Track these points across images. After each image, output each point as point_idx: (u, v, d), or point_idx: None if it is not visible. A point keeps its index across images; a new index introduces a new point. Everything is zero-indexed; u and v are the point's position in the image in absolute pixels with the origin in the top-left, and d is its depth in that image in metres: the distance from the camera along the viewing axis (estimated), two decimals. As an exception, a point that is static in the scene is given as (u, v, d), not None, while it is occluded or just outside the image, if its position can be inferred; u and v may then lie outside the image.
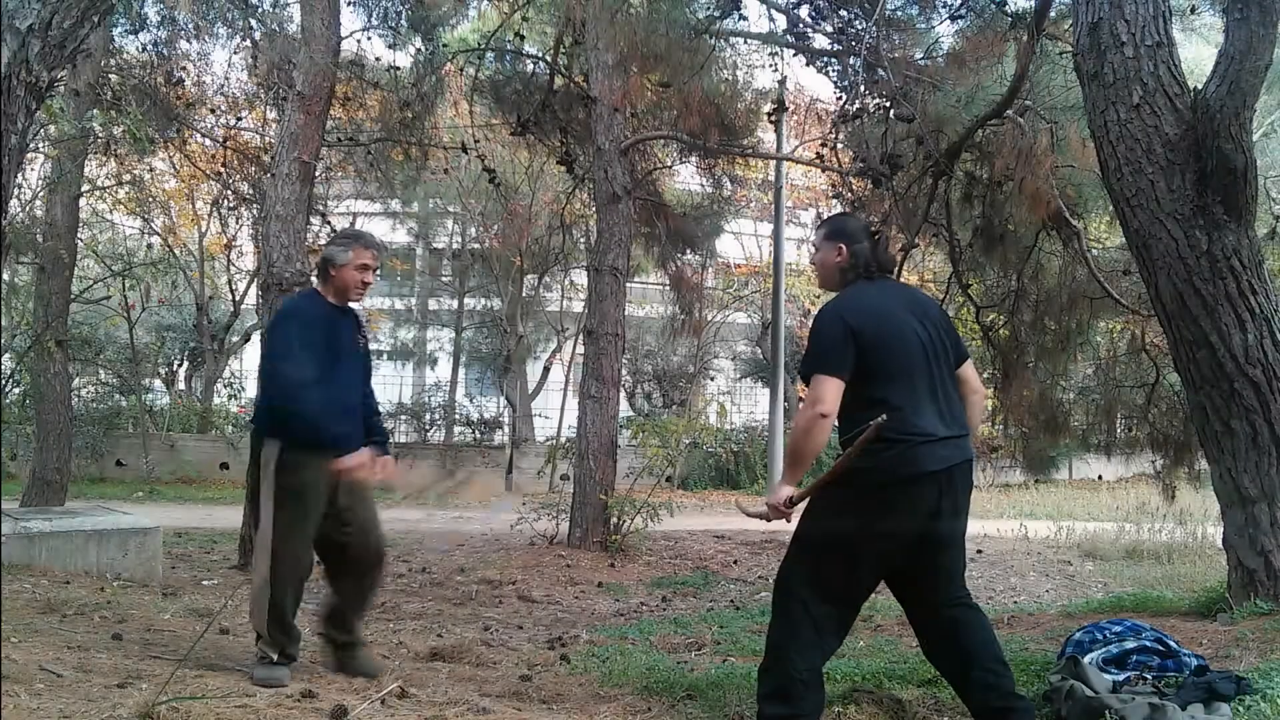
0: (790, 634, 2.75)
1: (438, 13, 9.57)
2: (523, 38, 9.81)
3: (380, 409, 3.87)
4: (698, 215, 11.85)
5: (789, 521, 2.81)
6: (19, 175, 5.93)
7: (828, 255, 2.94)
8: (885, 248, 2.97)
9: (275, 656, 3.29)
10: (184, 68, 10.64)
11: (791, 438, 2.79)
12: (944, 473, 2.67)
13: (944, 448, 2.67)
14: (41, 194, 9.49)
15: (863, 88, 7.34)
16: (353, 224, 16.55)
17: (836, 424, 2.74)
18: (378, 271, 3.55)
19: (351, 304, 3.58)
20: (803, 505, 2.79)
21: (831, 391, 2.66)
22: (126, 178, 12.96)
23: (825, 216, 3.09)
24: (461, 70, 10.24)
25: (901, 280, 7.37)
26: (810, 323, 3.26)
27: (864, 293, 2.86)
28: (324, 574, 3.63)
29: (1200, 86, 4.13)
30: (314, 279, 3.95)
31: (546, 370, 18.47)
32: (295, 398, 3.27)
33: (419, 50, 9.32)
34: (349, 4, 9.08)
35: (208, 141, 12.32)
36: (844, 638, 2.87)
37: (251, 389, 18.07)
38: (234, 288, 18.22)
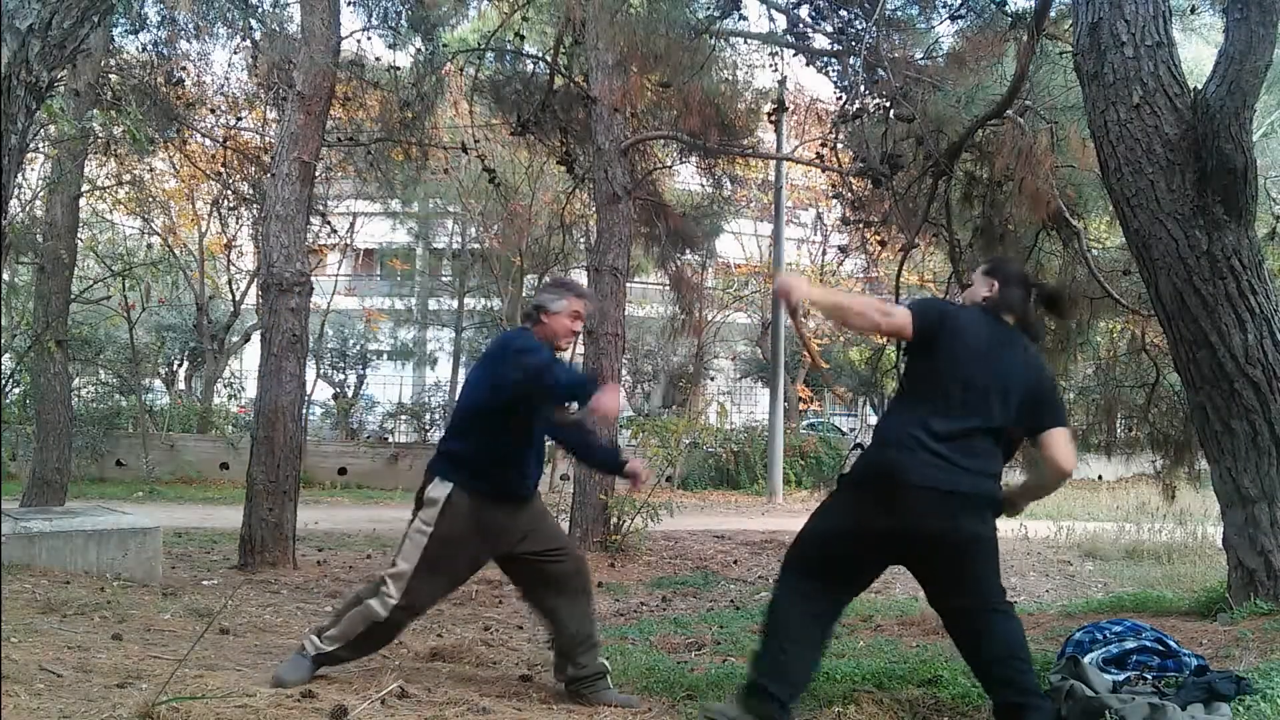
0: (782, 607, 2.87)
1: (438, 13, 9.57)
2: (523, 38, 9.81)
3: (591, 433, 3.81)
4: (698, 215, 11.86)
5: (788, 301, 2.84)
6: (19, 175, 5.93)
7: (978, 288, 2.99)
8: (1033, 310, 2.98)
9: (327, 650, 3.27)
10: (184, 68, 10.64)
11: (857, 304, 2.94)
12: (928, 490, 2.68)
13: (942, 469, 2.69)
14: (41, 194, 9.49)
15: (863, 88, 7.34)
16: (353, 224, 16.62)
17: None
18: (585, 321, 3.50)
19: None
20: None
21: (902, 319, 2.77)
22: (126, 178, 12.98)
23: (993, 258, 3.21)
24: (461, 70, 10.24)
25: (899, 288, 7.35)
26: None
27: (982, 314, 2.90)
28: (545, 619, 3.52)
29: (1200, 86, 4.13)
30: (316, 281, 3.92)
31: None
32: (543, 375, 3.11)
33: (419, 50, 9.33)
34: (349, 4, 9.09)
35: (208, 141, 12.33)
36: (834, 621, 2.93)
37: (251, 389, 18.08)
38: (234, 288, 18.23)
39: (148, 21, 9.61)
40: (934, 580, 2.85)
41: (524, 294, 17.27)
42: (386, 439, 18.38)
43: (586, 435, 3.70)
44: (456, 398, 20.52)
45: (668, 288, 13.87)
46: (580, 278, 17.18)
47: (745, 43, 9.92)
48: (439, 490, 3.24)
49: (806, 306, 2.85)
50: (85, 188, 10.78)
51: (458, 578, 3.44)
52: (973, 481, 2.72)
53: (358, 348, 20.75)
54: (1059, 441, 2.83)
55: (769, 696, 2.71)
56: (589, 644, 3.42)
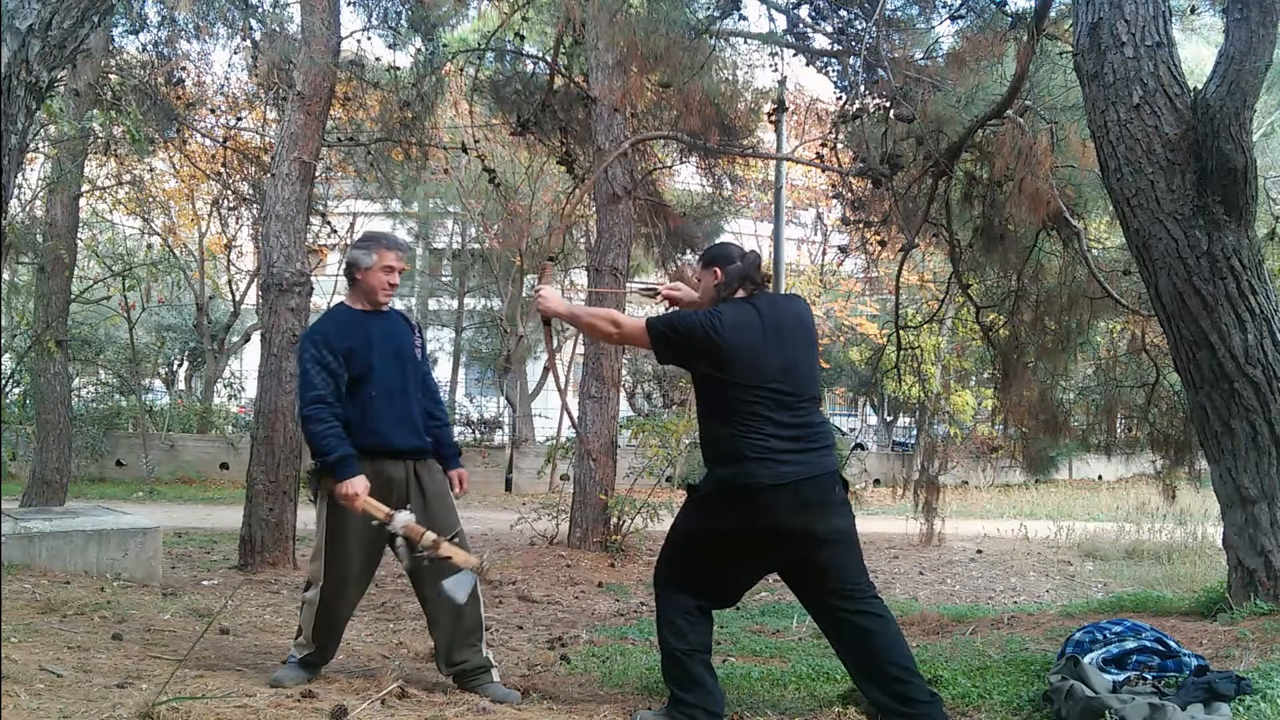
0: (664, 619, 2.97)
1: (438, 13, 9.57)
2: (523, 38, 9.81)
3: (443, 410, 3.75)
4: (698, 215, 11.86)
5: (541, 311, 3.19)
6: (19, 175, 5.93)
7: (707, 281, 3.10)
8: (758, 266, 3.09)
9: (300, 656, 3.33)
10: (184, 68, 10.64)
11: (588, 316, 3.17)
12: (786, 486, 2.78)
13: (785, 463, 2.78)
14: (41, 194, 9.49)
15: (863, 88, 7.34)
16: (353, 224, 16.59)
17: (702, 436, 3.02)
18: (402, 272, 3.50)
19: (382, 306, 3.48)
20: None
21: (639, 339, 2.98)
22: (126, 178, 12.97)
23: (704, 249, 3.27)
24: (461, 70, 10.24)
25: (899, 288, 7.35)
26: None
27: (735, 306, 2.97)
28: (418, 597, 3.54)
29: (1200, 86, 4.13)
30: (316, 281, 3.94)
31: (546, 370, 18.47)
32: (309, 417, 3.26)
33: (419, 50, 9.32)
34: (349, 4, 9.09)
35: (208, 141, 12.33)
36: (709, 621, 3.01)
37: (251, 389, 18.08)
38: (234, 288, 18.23)
39: (148, 21, 9.61)
40: (808, 572, 2.95)
41: (524, 294, 17.27)
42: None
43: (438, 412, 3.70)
44: (479, 396, 20.40)
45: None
46: (580, 278, 17.19)
47: (745, 43, 9.91)
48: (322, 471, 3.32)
49: (552, 316, 3.17)
50: (85, 188, 10.78)
51: (365, 543, 3.34)
52: (823, 459, 2.89)
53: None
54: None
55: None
56: (471, 638, 3.42)
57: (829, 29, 8.21)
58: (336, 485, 3.17)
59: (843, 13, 7.92)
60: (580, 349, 10.36)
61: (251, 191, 11.38)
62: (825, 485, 2.85)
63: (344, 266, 3.51)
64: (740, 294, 3.00)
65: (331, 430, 3.22)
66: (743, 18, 10.40)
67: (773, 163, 14.81)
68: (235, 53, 11.90)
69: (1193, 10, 6.78)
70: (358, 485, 3.16)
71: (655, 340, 2.92)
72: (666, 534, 3.11)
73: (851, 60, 7.82)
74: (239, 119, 12.50)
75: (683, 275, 11.84)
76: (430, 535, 3.18)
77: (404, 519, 3.17)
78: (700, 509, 2.97)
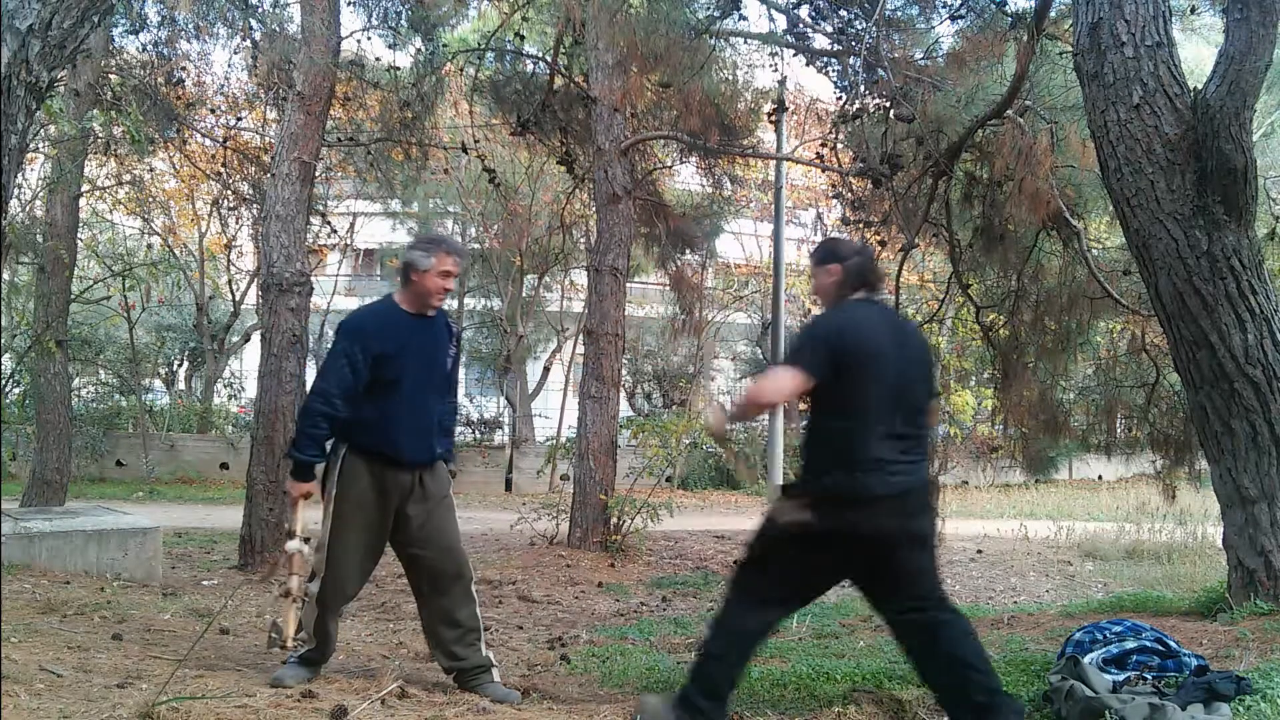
0: (731, 626, 2.90)
1: (438, 13, 9.57)
2: (523, 38, 9.81)
3: (453, 421, 3.81)
4: (698, 215, 11.85)
5: (718, 440, 3.02)
6: (19, 175, 5.93)
7: (823, 279, 3.00)
8: (875, 265, 3.03)
9: (301, 653, 3.33)
10: (184, 68, 10.64)
11: (747, 395, 2.92)
12: (894, 498, 2.74)
13: (893, 473, 2.74)
14: (41, 194, 9.49)
15: (863, 88, 7.34)
16: (353, 224, 16.60)
17: (802, 428, 2.94)
18: (458, 278, 3.49)
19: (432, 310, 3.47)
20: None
21: (793, 384, 2.75)
22: (126, 178, 12.97)
23: (817, 244, 3.15)
24: (461, 70, 10.24)
25: (899, 288, 7.37)
26: (802, 326, 3.34)
27: (856, 310, 2.90)
28: (415, 596, 3.55)
29: (1200, 86, 4.13)
30: (317, 281, 3.95)
31: (546, 370, 18.47)
32: (309, 409, 3.30)
33: (419, 50, 9.32)
34: (349, 4, 9.09)
35: (208, 141, 12.33)
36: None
37: (251, 389, 18.08)
38: (234, 288, 18.22)
39: (148, 21, 9.61)
40: (891, 579, 2.88)
41: (524, 294, 17.27)
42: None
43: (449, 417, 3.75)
44: (479, 396, 20.36)
45: (668, 288, 13.86)
46: (580, 278, 17.20)
47: (745, 43, 9.91)
48: (335, 453, 3.35)
49: (730, 428, 2.95)
50: (85, 188, 10.78)
51: (364, 540, 3.38)
52: (922, 470, 2.85)
53: (358, 348, 20.66)
54: (932, 411, 3.02)
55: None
56: (469, 638, 3.44)
57: (829, 29, 8.22)
58: (290, 477, 3.35)
59: (843, 13, 7.92)
60: (580, 349, 10.34)
61: (251, 191, 11.38)
62: (924, 493, 2.85)
63: (400, 265, 3.46)
64: (861, 294, 2.92)
65: (320, 432, 3.28)
66: (743, 18, 10.41)
67: (773, 163, 14.80)
68: (235, 53, 11.90)
69: (1193, 10, 6.78)
70: (305, 489, 3.32)
71: (808, 371, 2.75)
72: (751, 539, 2.98)
73: (851, 60, 7.83)
74: (239, 119, 12.50)
75: (682, 275, 11.85)
76: (289, 585, 3.32)
77: (293, 547, 3.36)
78: (802, 512, 2.83)
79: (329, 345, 3.49)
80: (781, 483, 2.89)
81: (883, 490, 2.70)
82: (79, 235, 10.23)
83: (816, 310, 3.19)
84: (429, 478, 3.42)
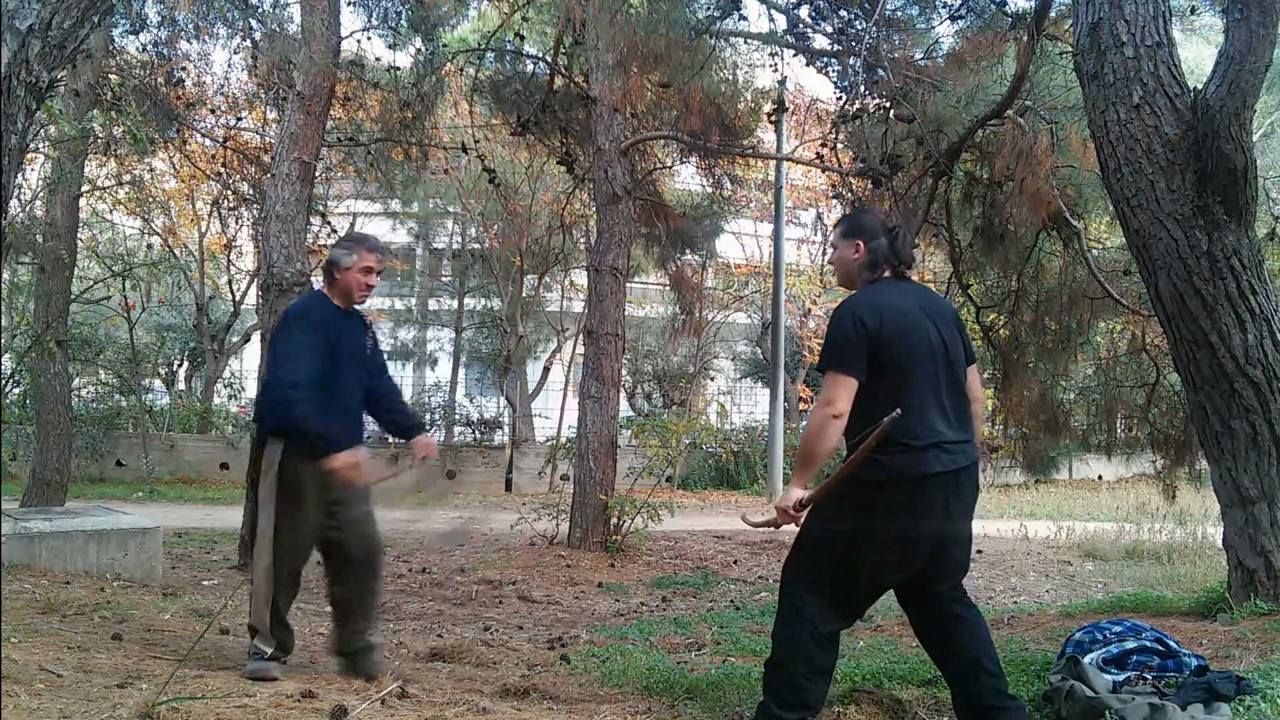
0: (790, 634, 2.77)
1: (438, 13, 9.57)
2: (523, 38, 9.82)
3: (399, 396, 3.96)
4: (698, 215, 11.85)
5: (796, 525, 2.78)
6: (19, 175, 5.93)
7: (845, 252, 2.90)
8: (904, 244, 2.91)
9: (269, 651, 3.36)
10: (184, 68, 10.64)
11: (804, 438, 2.75)
12: (950, 475, 2.66)
13: (949, 451, 2.66)
14: (41, 194, 9.49)
15: (863, 88, 7.34)
16: (353, 224, 16.60)
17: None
18: (380, 274, 3.59)
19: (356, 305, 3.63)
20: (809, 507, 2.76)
21: (845, 391, 2.64)
22: (126, 178, 12.97)
23: (844, 214, 3.05)
24: (461, 70, 10.24)
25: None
26: (829, 319, 3.25)
27: (881, 292, 2.81)
28: (324, 575, 3.64)
29: (1200, 86, 4.13)
30: (317, 281, 4.00)
31: (546, 370, 18.47)
32: (291, 400, 3.32)
33: (419, 50, 9.33)
34: (349, 4, 9.09)
35: (208, 141, 12.33)
36: (842, 634, 2.89)
37: (252, 389, 18.10)
38: (234, 288, 18.23)
39: (148, 22, 9.60)
40: (931, 570, 2.79)
41: (524, 294, 17.27)
42: (386, 439, 18.34)
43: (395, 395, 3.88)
44: (479, 396, 20.37)
45: (668, 288, 13.86)
46: (580, 278, 17.20)
47: (745, 43, 9.91)
48: (271, 450, 3.40)
49: (803, 496, 2.71)
50: (85, 188, 10.78)
51: (302, 533, 3.44)
52: (972, 449, 2.75)
53: (358, 348, 20.67)
54: (974, 380, 2.91)
55: None
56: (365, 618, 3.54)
57: (829, 29, 8.22)
58: (337, 458, 3.26)
59: (843, 13, 7.92)
60: (580, 349, 10.34)
61: (251, 191, 11.38)
62: (974, 472, 2.76)
63: (324, 264, 3.61)
64: (886, 275, 2.83)
65: (317, 412, 3.31)
66: (743, 18, 10.41)
67: (773, 163, 14.81)
68: (235, 53, 11.88)
69: (1193, 10, 6.77)
70: (358, 454, 3.30)
71: (849, 373, 2.65)
72: (802, 535, 2.83)
73: (851, 60, 7.82)
74: (239, 119, 12.50)
75: (682, 275, 11.85)
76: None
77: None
78: (853, 504, 2.68)
79: (279, 334, 3.53)
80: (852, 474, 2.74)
81: (939, 468, 2.62)
82: (79, 235, 10.23)
83: (842, 293, 3.04)
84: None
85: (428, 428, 4.07)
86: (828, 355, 2.72)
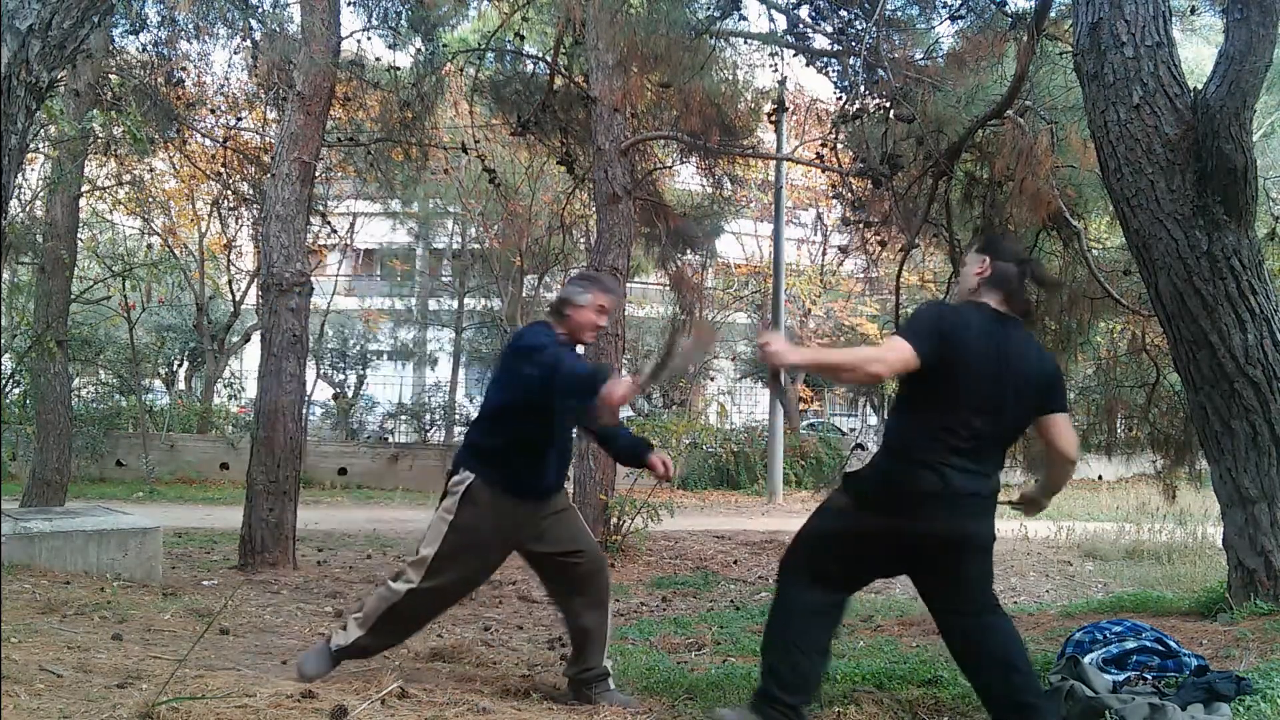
0: (782, 614, 2.84)
1: (438, 13, 9.57)
2: (523, 38, 9.81)
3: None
4: (698, 215, 11.84)
5: (766, 361, 2.76)
6: (19, 175, 5.93)
7: (972, 267, 2.88)
8: (1029, 278, 2.86)
9: (338, 648, 3.35)
10: (184, 68, 10.64)
11: (844, 352, 2.82)
12: (944, 497, 2.65)
13: (953, 475, 2.65)
14: (41, 194, 9.49)
15: (863, 88, 7.34)
16: (353, 224, 16.63)
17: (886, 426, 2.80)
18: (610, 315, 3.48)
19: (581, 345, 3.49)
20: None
21: (897, 356, 2.61)
22: (126, 178, 12.97)
23: (984, 234, 3.06)
24: (461, 70, 10.24)
25: (899, 288, 7.31)
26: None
27: (981, 313, 2.78)
28: (564, 614, 3.55)
29: (1200, 86, 4.13)
30: (317, 281, 3.94)
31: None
32: (579, 372, 3.09)
33: (419, 50, 9.33)
34: (349, 4, 9.09)
35: (208, 141, 12.33)
36: (837, 622, 2.89)
37: (251, 389, 18.09)
38: (234, 288, 18.24)
39: (148, 22, 9.61)
40: (942, 583, 2.81)
41: (524, 294, 17.28)
42: (386, 439, 18.38)
43: (614, 426, 3.70)
44: (478, 396, 20.48)
45: (668, 288, 13.86)
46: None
47: (745, 43, 9.91)
48: (460, 481, 3.28)
49: (791, 369, 2.78)
50: (85, 188, 10.78)
51: (473, 569, 3.42)
52: (982, 484, 2.73)
53: (358, 348, 20.76)
54: (1061, 427, 2.83)
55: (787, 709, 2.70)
56: (599, 644, 3.43)
57: (829, 29, 8.21)
58: (613, 388, 2.87)
59: (843, 13, 7.92)
60: (580, 348, 10.32)
61: (251, 191, 11.38)
62: (987, 500, 2.76)
63: (556, 299, 3.47)
64: (994, 304, 2.78)
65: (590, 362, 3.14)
66: (743, 18, 10.41)
67: (773, 163, 14.82)
68: (235, 53, 11.89)
69: (1193, 10, 6.78)
70: (627, 382, 2.94)
71: (912, 343, 2.62)
72: (798, 533, 2.92)
73: (851, 60, 7.83)
74: (239, 119, 12.50)
75: (682, 275, 11.85)
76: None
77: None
78: (854, 500, 2.78)
79: (527, 358, 3.21)
80: (846, 470, 2.77)
81: (937, 488, 2.63)
82: (79, 235, 10.23)
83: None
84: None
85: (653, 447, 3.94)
86: (904, 325, 2.77)
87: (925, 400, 2.70)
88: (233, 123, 12.31)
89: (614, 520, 8.90)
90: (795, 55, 8.88)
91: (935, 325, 2.69)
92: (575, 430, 3.61)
